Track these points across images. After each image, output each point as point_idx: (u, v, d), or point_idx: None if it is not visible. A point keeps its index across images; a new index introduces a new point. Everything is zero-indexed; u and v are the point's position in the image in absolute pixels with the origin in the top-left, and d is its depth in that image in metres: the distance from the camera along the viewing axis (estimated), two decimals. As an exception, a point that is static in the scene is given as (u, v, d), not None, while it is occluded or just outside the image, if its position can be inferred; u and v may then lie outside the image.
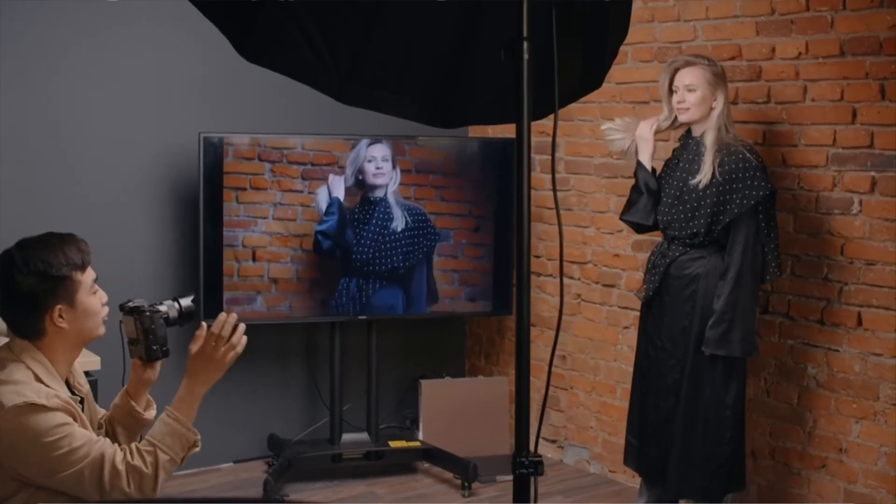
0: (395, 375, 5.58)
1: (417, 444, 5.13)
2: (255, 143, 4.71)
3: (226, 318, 2.70)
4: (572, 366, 5.27)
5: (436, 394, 5.34)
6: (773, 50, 4.27)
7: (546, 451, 5.43)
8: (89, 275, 2.65)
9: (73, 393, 2.70)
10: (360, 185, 4.86)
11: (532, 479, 2.27)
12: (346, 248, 4.84)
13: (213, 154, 4.64)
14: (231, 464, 5.18)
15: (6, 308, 2.60)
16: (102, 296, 2.70)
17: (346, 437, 5.04)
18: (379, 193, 4.88)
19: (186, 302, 2.90)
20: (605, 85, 4.90)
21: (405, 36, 2.57)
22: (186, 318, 2.91)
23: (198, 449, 2.71)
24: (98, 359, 3.73)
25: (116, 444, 2.58)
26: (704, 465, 4.02)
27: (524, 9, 2.24)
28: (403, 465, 5.14)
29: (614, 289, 5.02)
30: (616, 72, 4.91)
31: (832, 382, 4.17)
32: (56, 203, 4.57)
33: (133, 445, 2.57)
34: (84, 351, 3.70)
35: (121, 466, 2.50)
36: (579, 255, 5.18)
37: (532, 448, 2.29)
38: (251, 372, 5.20)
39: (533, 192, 5.38)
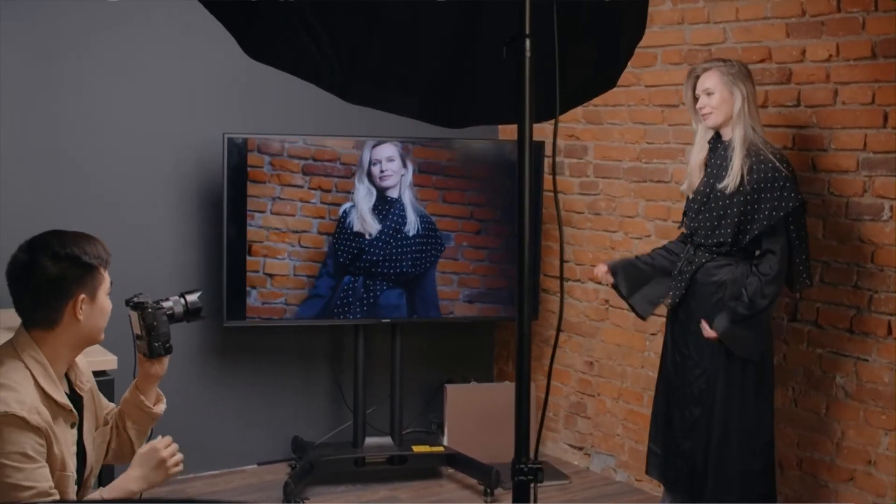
0: (423, 379, 5.54)
1: (441, 449, 5.08)
2: (280, 144, 4.70)
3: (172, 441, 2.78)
4: (599, 372, 5.20)
5: (461, 398, 5.30)
6: (804, 52, 4.19)
7: (573, 458, 5.37)
8: (108, 278, 2.69)
9: (73, 392, 2.69)
10: (374, 185, 4.83)
11: (531, 486, 2.22)
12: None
13: (237, 155, 4.63)
14: (255, 466, 5.17)
15: (28, 292, 2.60)
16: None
17: (370, 440, 5.00)
18: (393, 194, 4.84)
19: (192, 298, 2.89)
20: (634, 88, 4.91)
21: (409, 34, 2.53)
22: (193, 315, 2.90)
23: None
24: (115, 358, 3.73)
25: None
26: (741, 475, 3.94)
27: (526, 5, 2.20)
28: (427, 469, 5.10)
29: (642, 295, 4.94)
30: (645, 74, 4.85)
31: (861, 393, 4.07)
32: (80, 201, 4.59)
33: None
34: (100, 350, 3.73)
35: None
36: (607, 260, 5.11)
37: (532, 454, 2.24)
38: (276, 374, 5.19)
39: (562, 195, 5.34)
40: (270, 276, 4.75)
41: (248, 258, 4.70)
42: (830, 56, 4.10)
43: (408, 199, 4.85)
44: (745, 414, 3.92)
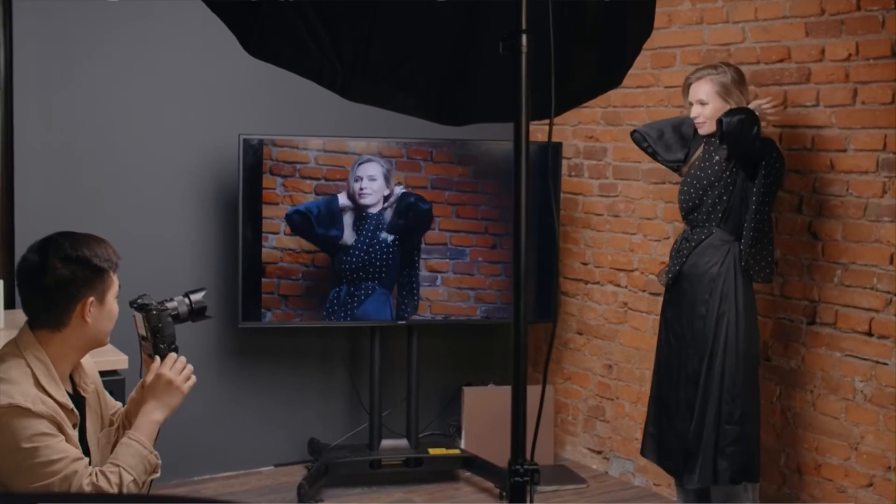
0: (441, 382, 5.51)
1: (457, 451, 5.05)
2: (296, 145, 4.70)
3: (177, 357, 2.75)
4: (618, 376, 5.15)
5: (478, 401, 5.27)
6: (823, 52, 4.13)
7: (591, 462, 5.32)
8: (117, 281, 2.68)
9: (76, 393, 2.69)
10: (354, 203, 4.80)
11: (528, 487, 2.20)
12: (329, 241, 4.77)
13: (253, 155, 4.63)
14: (272, 467, 5.17)
15: (37, 293, 2.60)
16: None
17: (386, 443, 4.98)
18: (373, 211, 4.80)
19: (197, 297, 2.87)
20: (653, 88, 4.87)
21: (411, 31, 2.52)
22: (198, 314, 2.87)
23: (158, 474, 2.71)
24: (125, 357, 3.73)
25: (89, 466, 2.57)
26: (714, 447, 3.99)
27: (523, 1, 2.17)
28: (443, 472, 5.07)
29: (661, 297, 4.89)
30: (664, 75, 4.81)
31: (880, 397, 4.01)
32: (96, 202, 4.61)
33: (97, 469, 2.56)
34: (111, 350, 3.73)
35: (87, 488, 2.50)
36: (626, 263, 5.07)
37: (528, 456, 2.21)
38: (294, 376, 5.19)
39: (581, 197, 5.30)
40: (285, 297, 4.75)
41: (263, 280, 4.70)
42: (850, 55, 4.04)
43: (387, 215, 4.81)
44: (727, 387, 3.96)
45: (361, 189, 4.76)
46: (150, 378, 2.72)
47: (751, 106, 4.02)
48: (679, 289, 4.14)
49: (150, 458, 2.64)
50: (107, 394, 2.91)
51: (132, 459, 2.60)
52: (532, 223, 4.92)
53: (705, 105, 4.04)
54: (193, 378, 2.76)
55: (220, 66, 4.84)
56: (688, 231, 4.17)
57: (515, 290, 2.20)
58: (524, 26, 2.17)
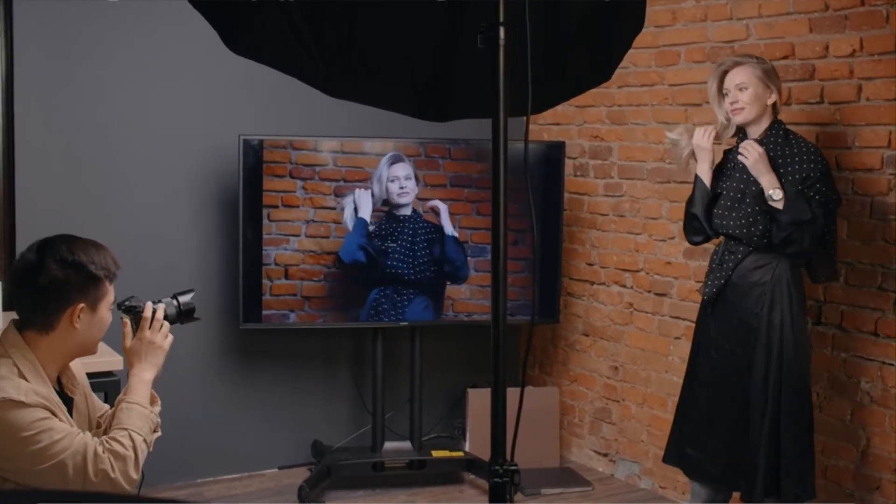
0: (447, 384, 5.47)
1: (460, 454, 5.01)
2: (296, 145, 4.67)
3: (153, 308, 2.76)
4: (624, 377, 5.10)
5: (483, 403, 5.18)
6: (827, 47, 4.07)
7: (598, 464, 5.27)
8: (113, 292, 2.66)
9: (63, 394, 2.67)
10: (386, 203, 4.76)
11: (507, 487, 2.16)
12: (373, 258, 4.75)
13: (253, 156, 4.61)
14: (276, 469, 5.14)
15: (29, 292, 2.59)
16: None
17: (389, 445, 4.94)
18: (406, 211, 4.77)
19: (185, 299, 2.85)
20: (658, 87, 4.82)
21: (395, 25, 2.49)
22: (186, 316, 2.86)
23: (159, 433, 2.72)
24: (121, 358, 3.71)
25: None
26: (797, 458, 3.79)
27: (502, -7, 2.14)
28: (447, 475, 5.03)
29: (666, 298, 4.84)
30: (668, 73, 4.76)
31: (887, 398, 3.94)
32: (96, 203, 4.59)
33: (105, 437, 2.55)
34: (107, 350, 3.73)
35: (103, 454, 2.50)
36: (631, 263, 5.02)
37: (508, 456, 2.18)
38: (297, 377, 5.16)
39: (587, 197, 5.26)
40: (308, 298, 4.73)
41: (286, 282, 4.69)
42: (854, 51, 3.98)
43: (420, 219, 4.80)
44: (792, 400, 3.78)
45: (401, 188, 4.73)
46: (128, 343, 2.73)
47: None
48: (724, 302, 3.90)
49: (151, 417, 2.66)
50: (94, 396, 2.89)
51: (138, 421, 2.61)
52: (536, 223, 4.92)
53: (745, 90, 3.81)
54: (171, 336, 2.78)
55: (220, 66, 4.80)
56: (731, 244, 3.93)
57: (494, 291, 2.17)
58: (502, 19, 2.14)
